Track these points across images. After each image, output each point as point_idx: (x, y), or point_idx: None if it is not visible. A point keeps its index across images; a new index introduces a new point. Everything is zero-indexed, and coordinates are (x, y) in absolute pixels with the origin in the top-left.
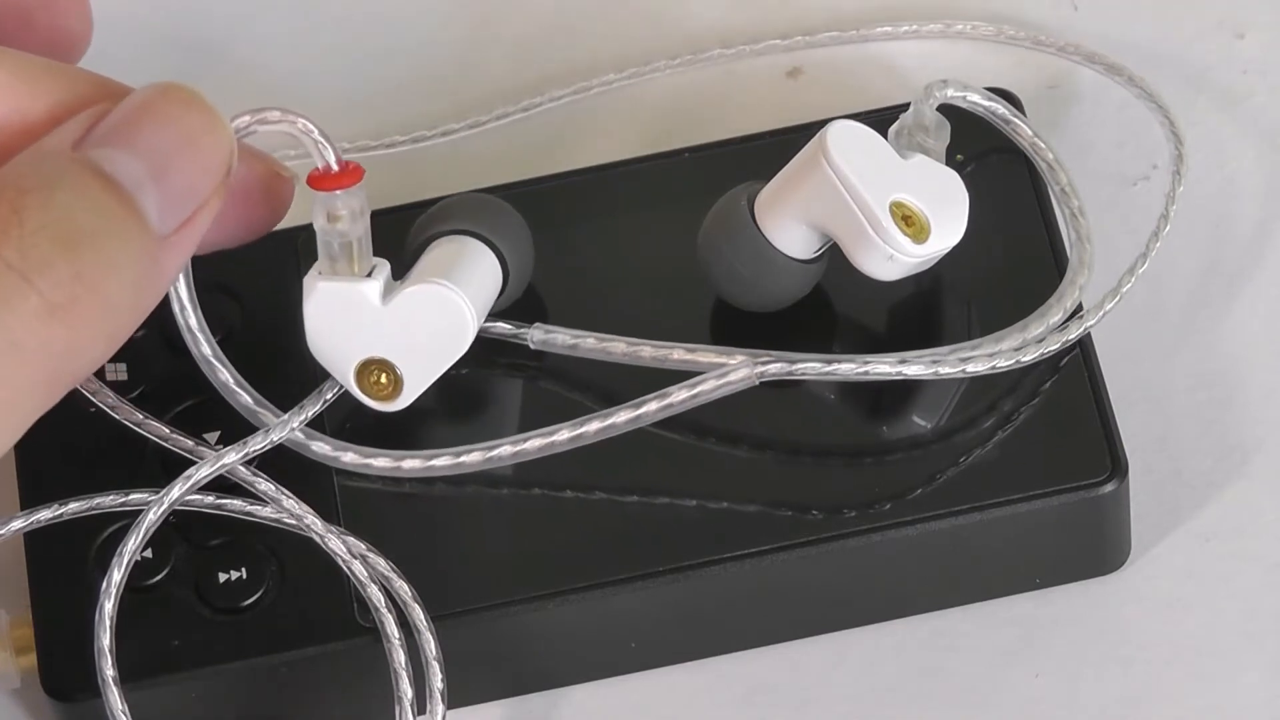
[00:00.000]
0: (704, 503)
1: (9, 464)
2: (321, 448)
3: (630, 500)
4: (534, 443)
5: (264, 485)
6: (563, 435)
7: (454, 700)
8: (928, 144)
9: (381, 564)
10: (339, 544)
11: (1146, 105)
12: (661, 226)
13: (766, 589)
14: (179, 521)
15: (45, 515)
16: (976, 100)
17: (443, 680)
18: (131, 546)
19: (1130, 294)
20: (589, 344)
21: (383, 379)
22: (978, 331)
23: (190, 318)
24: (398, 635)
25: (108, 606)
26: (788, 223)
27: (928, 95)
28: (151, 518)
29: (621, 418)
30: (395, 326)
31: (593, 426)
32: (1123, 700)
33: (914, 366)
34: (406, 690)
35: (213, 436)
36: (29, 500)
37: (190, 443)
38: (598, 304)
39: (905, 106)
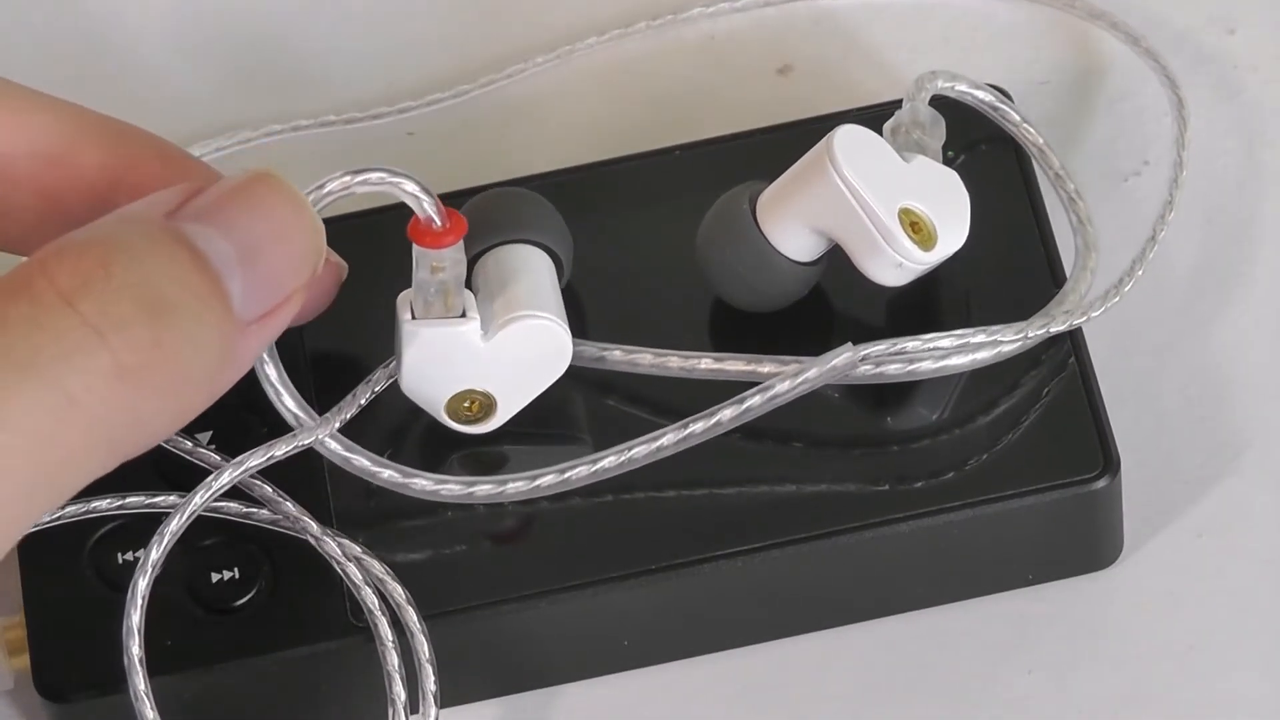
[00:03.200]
0: (696, 499)
1: None
2: (361, 462)
3: (621, 497)
4: (638, 450)
5: (262, 489)
6: (668, 439)
7: (447, 700)
8: (924, 141)
9: (376, 567)
10: (334, 546)
11: (1162, 83)
12: (654, 225)
13: (760, 586)
14: None
15: (43, 518)
16: (965, 90)
17: (436, 683)
18: (155, 556)
19: (1122, 288)
20: (615, 356)
21: (473, 405)
22: (979, 322)
23: None
24: (391, 638)
25: (135, 618)
26: (791, 227)
27: (919, 89)
28: (174, 525)
29: (727, 414)
30: (495, 360)
31: (698, 427)
32: (1115, 697)
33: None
34: (400, 693)
35: (204, 437)
36: None
37: (189, 444)
38: (592, 305)
39: (897, 103)
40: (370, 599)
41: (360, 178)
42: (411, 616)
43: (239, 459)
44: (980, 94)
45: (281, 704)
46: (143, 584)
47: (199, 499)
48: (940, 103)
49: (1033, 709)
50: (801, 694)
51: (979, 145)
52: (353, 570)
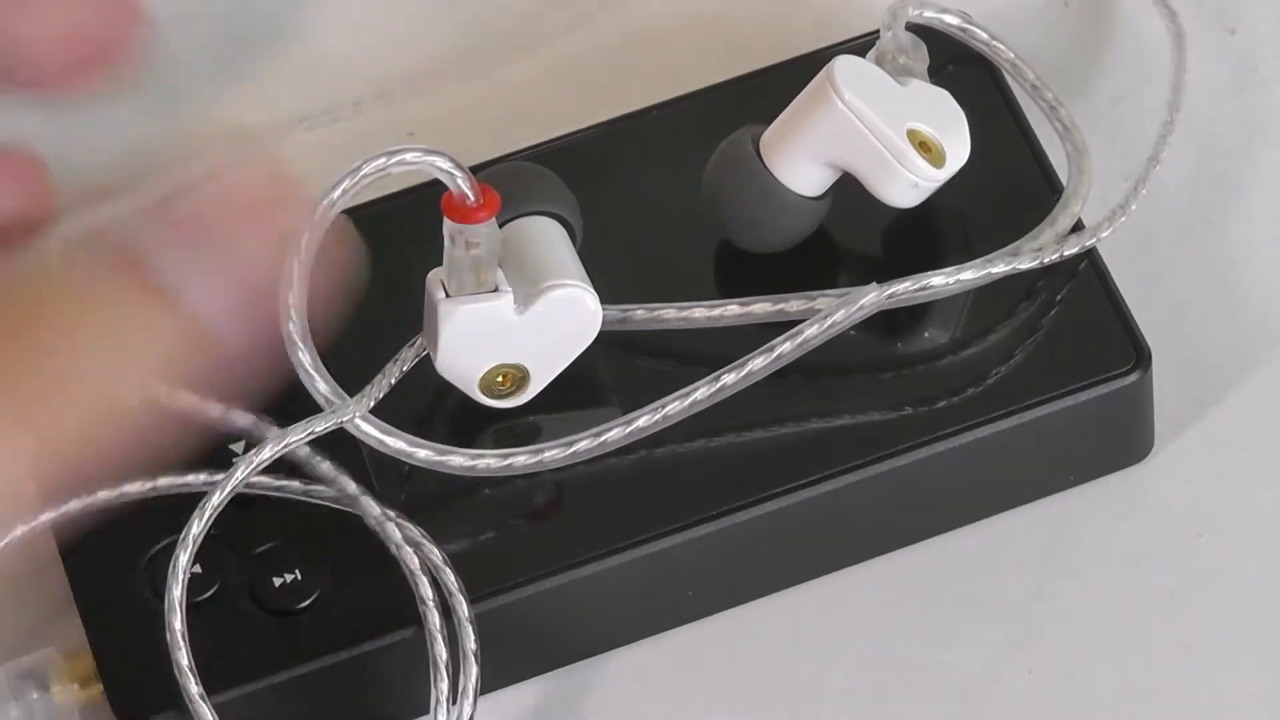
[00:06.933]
0: (727, 446)
1: None
2: (397, 443)
3: (654, 453)
4: (672, 407)
5: (319, 466)
6: (701, 393)
7: (492, 682)
8: (911, 65)
9: (436, 554)
10: (394, 530)
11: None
12: (652, 183)
13: (805, 522)
14: (220, 533)
15: (75, 505)
16: (933, 15)
17: (477, 676)
18: (195, 531)
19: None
20: (639, 315)
21: (506, 379)
22: (985, 241)
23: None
24: (440, 626)
25: (176, 623)
26: (799, 162)
27: (893, 17)
28: (215, 500)
29: (758, 363)
30: (529, 333)
31: (730, 379)
32: (1115, 697)
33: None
34: (444, 689)
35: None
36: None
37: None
38: (603, 268)
39: (874, 34)
40: (425, 589)
41: (395, 158)
42: (462, 606)
43: (279, 432)
44: (948, 18)
45: (360, 697)
46: (183, 559)
47: (240, 473)
48: (911, 31)
49: (1033, 709)
50: (802, 694)
51: (950, 67)
52: (409, 556)
